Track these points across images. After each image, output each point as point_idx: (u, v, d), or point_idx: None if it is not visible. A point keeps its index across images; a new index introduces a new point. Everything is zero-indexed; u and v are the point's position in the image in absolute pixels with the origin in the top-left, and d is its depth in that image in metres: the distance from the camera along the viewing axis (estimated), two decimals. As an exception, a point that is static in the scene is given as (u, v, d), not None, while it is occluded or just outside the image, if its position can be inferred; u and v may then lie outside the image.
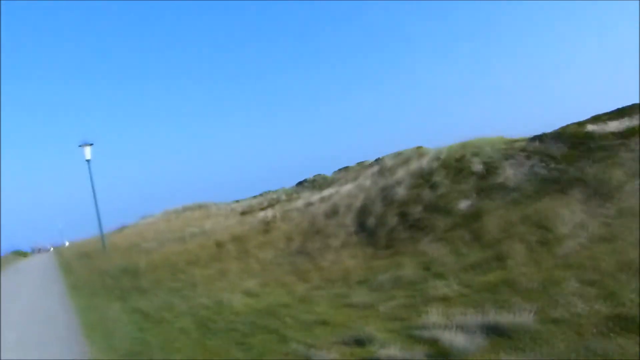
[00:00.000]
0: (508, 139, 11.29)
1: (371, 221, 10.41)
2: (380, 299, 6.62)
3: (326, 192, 18.63)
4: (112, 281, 12.85)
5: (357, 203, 12.00)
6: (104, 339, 7.35)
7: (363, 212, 11.14)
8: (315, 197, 19.03)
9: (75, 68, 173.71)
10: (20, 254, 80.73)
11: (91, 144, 22.80)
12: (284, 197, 34.87)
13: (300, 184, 62.92)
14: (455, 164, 10.56)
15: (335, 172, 66.46)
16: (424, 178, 10.86)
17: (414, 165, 11.83)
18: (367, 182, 13.40)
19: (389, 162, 14.16)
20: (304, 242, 11.68)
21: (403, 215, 9.80)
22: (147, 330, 7.40)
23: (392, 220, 9.81)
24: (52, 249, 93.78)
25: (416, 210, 9.61)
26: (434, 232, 8.64)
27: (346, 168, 67.39)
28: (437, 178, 10.33)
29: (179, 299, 9.18)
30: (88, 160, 22.88)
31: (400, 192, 10.65)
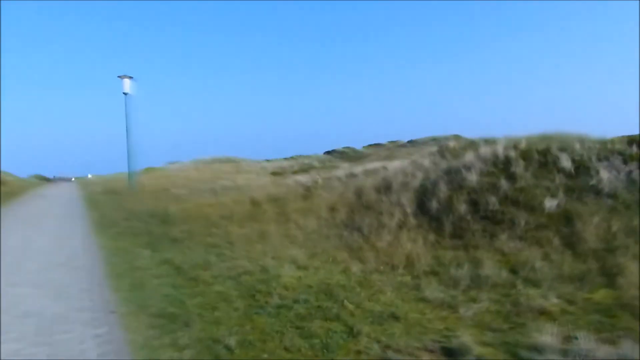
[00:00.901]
0: (598, 138, 10.00)
1: (433, 204, 9.34)
2: (458, 298, 5.61)
3: (371, 166, 17.61)
4: (141, 225, 12.11)
5: (415, 182, 10.91)
6: (132, 292, 6.53)
7: (423, 193, 10.06)
8: (359, 168, 18.02)
9: (124, 5, 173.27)
10: (43, 178, 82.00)
11: (131, 77, 22.02)
12: (316, 163, 33.92)
13: (328, 153, 62.03)
14: (538, 157, 9.35)
15: (365, 146, 65.38)
16: (498, 167, 9.70)
17: (484, 151, 10.64)
18: (425, 162, 12.27)
19: (450, 144, 12.98)
20: (351, 216, 10.70)
21: (474, 204, 8.70)
22: (182, 289, 6.55)
23: (461, 207, 8.73)
24: (73, 179, 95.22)
25: (491, 201, 8.49)
26: (513, 229, 7.55)
27: (377, 144, 66.31)
28: (516, 169, 9.16)
29: (215, 257, 8.32)
30: (126, 94, 22.15)
31: (471, 177, 9.52)
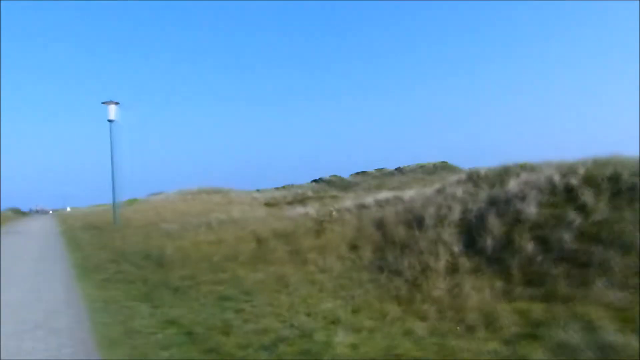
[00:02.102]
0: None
1: (487, 242, 7.89)
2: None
3: (382, 195, 16.14)
4: (132, 269, 10.37)
5: (453, 215, 9.47)
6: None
7: (470, 228, 8.62)
8: (369, 199, 16.54)
9: (107, 34, 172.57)
10: (18, 212, 78.66)
11: (117, 103, 20.35)
12: (310, 192, 32.38)
13: (316, 181, 60.47)
14: (608, 184, 8.01)
15: (352, 174, 64.01)
16: (559, 196, 8.33)
17: (534, 178, 9.29)
18: (458, 190, 10.86)
19: (481, 171, 11.63)
20: (381, 255, 9.20)
21: (543, 242, 7.26)
22: (202, 368, 4.91)
23: (526, 245, 7.28)
24: (51, 211, 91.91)
25: (564, 238, 7.07)
26: (608, 275, 6.10)
27: (364, 172, 64.97)
28: (585, 198, 7.78)
29: (234, 314, 6.69)
30: (111, 121, 20.45)
31: (528, 209, 8.12)
